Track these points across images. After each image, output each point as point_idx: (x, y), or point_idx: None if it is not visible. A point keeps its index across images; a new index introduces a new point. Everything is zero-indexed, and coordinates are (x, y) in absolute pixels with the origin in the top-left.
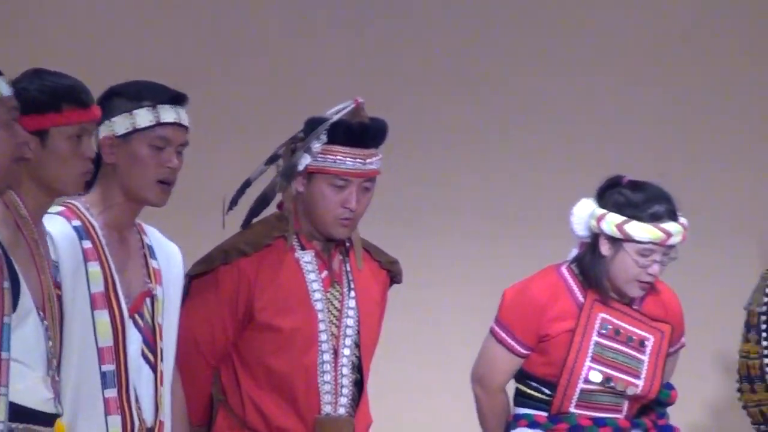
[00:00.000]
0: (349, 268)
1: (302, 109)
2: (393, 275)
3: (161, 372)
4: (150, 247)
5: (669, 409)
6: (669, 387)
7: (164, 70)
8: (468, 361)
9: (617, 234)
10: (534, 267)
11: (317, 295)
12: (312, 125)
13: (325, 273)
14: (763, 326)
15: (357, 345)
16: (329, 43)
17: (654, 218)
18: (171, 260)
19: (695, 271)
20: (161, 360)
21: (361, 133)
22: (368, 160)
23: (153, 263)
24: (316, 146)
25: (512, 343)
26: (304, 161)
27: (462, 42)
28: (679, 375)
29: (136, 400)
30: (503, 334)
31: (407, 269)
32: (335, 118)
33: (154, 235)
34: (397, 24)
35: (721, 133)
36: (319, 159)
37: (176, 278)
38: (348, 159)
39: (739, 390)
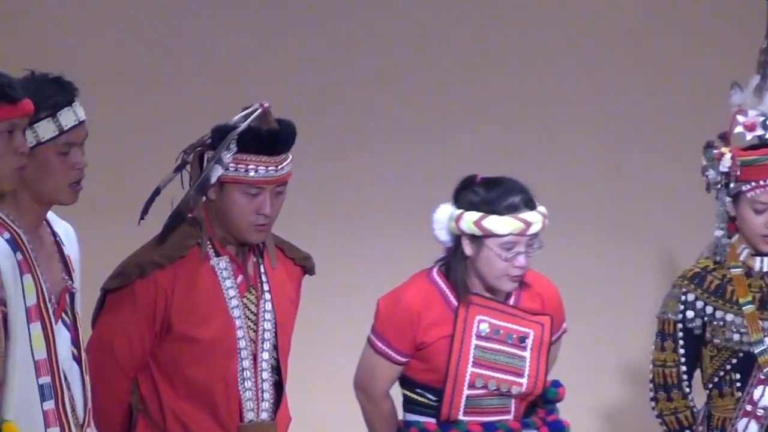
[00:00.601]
0: (263, 270)
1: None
2: (306, 270)
3: (85, 362)
4: (57, 235)
5: (566, 413)
6: (557, 385)
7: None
8: None
9: (477, 231)
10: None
11: (234, 302)
12: (220, 134)
13: (240, 278)
14: (680, 334)
15: (275, 347)
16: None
17: (511, 209)
18: (70, 238)
19: (593, 275)
20: (84, 350)
21: (271, 140)
22: (280, 166)
23: (65, 251)
24: (227, 157)
25: (389, 351)
26: (216, 173)
27: (403, 42)
28: (576, 379)
29: (72, 409)
30: (380, 344)
31: (322, 267)
32: (243, 126)
33: (54, 220)
34: (339, 25)
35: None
36: (231, 169)
37: (76, 255)
38: (260, 167)
39: (654, 399)
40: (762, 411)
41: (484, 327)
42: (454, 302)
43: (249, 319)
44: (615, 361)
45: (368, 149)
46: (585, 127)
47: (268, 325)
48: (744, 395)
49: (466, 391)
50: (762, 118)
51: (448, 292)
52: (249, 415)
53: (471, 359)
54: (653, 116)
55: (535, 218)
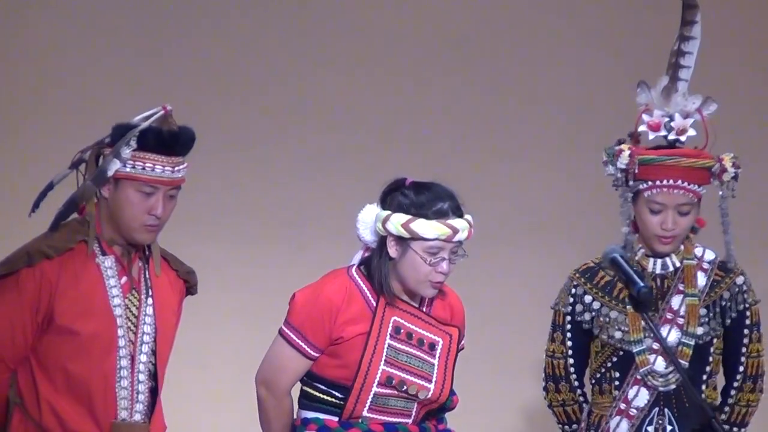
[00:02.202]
0: (148, 275)
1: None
2: (189, 286)
3: None
4: None
5: (485, 411)
6: (451, 393)
7: None
8: (252, 366)
9: (404, 233)
10: (313, 271)
11: (116, 301)
12: (120, 131)
13: (124, 279)
14: (568, 326)
15: (153, 352)
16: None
17: (439, 215)
18: None
19: (507, 273)
20: None
21: (171, 141)
22: (176, 168)
23: None
24: (126, 152)
25: (303, 345)
26: (114, 167)
27: (239, 43)
28: (492, 379)
29: None
30: (294, 336)
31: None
32: (144, 125)
33: None
34: (176, 26)
35: (528, 134)
36: (128, 165)
37: None
38: (157, 166)
39: (545, 389)
40: (635, 411)
41: (399, 329)
42: (373, 301)
43: (130, 320)
44: (527, 355)
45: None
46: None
47: (147, 329)
48: (620, 393)
49: (374, 389)
50: (666, 119)
51: (366, 290)
52: (122, 414)
53: (384, 357)
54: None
55: (462, 225)
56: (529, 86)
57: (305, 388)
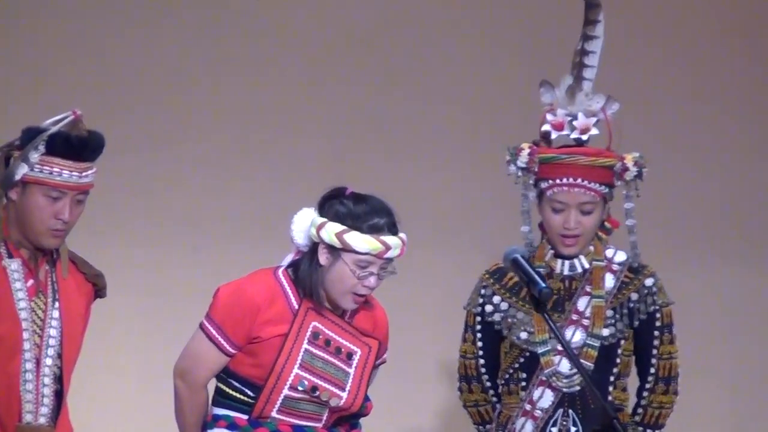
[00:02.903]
0: (55, 279)
1: None
2: (98, 288)
3: None
4: None
5: (397, 413)
6: (366, 399)
7: None
8: (155, 368)
9: (336, 243)
10: (212, 272)
11: (22, 304)
12: (29, 135)
13: (31, 282)
14: (479, 327)
15: (59, 356)
16: None
17: (374, 230)
18: None
19: (423, 275)
20: None
21: (80, 146)
22: (84, 173)
23: None
24: (34, 157)
25: (221, 340)
26: (22, 171)
27: (139, 43)
28: (405, 379)
29: None
30: (213, 331)
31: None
32: (54, 129)
33: None
34: (81, 26)
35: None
36: (36, 170)
37: None
38: (65, 171)
39: (459, 390)
40: (539, 412)
41: (318, 335)
42: (295, 304)
43: (35, 323)
44: (443, 357)
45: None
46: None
47: (53, 332)
48: (526, 394)
49: (285, 391)
50: (570, 118)
51: (290, 293)
52: (27, 417)
53: (299, 361)
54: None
55: (395, 243)
56: (429, 85)
57: (219, 384)
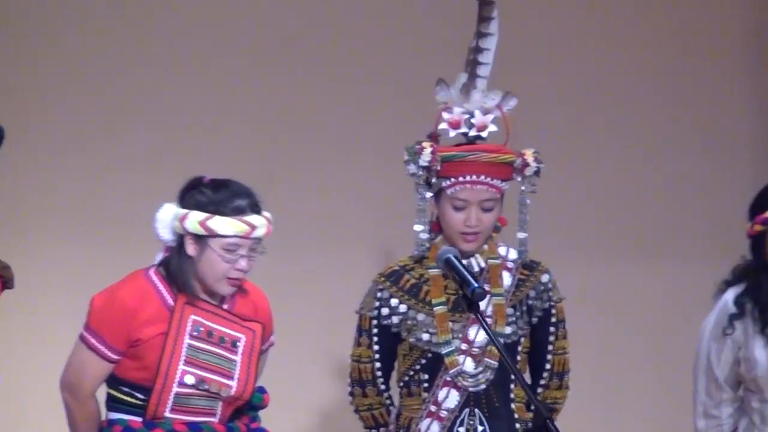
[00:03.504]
0: None
1: None
2: (5, 280)
3: None
4: None
5: (274, 412)
6: (262, 391)
7: None
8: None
9: (201, 231)
10: (124, 271)
11: None
12: None
13: None
14: (375, 330)
15: None
16: None
17: (237, 212)
18: None
19: (310, 274)
20: None
21: None
22: None
23: None
24: None
25: (102, 348)
26: None
27: (47, 39)
28: (289, 379)
29: None
30: (93, 340)
31: None
32: None
33: None
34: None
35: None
36: None
37: None
38: None
39: (351, 394)
40: (445, 413)
41: (199, 327)
42: (171, 301)
43: None
44: (329, 359)
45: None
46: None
47: None
48: (430, 396)
49: (175, 389)
50: (467, 116)
51: (164, 291)
52: None
53: (183, 357)
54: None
55: (260, 222)
56: (327, 86)
57: (110, 390)
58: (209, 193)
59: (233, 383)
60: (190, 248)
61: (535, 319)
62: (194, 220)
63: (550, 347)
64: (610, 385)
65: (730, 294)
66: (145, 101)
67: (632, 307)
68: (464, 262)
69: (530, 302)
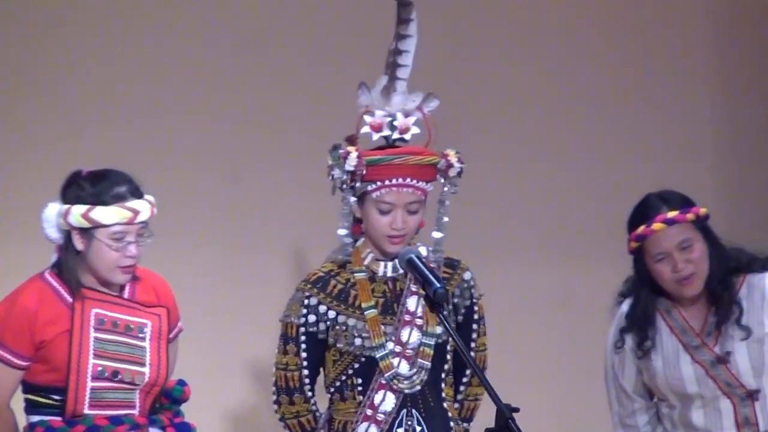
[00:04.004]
0: None
1: None
2: None
3: None
4: None
5: (191, 413)
6: (182, 383)
7: None
8: None
9: (85, 223)
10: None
11: None
12: None
13: None
14: (303, 338)
15: None
16: None
17: (117, 199)
18: None
19: (219, 278)
20: None
21: None
22: None
23: None
24: None
25: (9, 357)
26: None
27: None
28: (203, 380)
29: None
30: None
31: None
32: None
33: None
34: None
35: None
36: None
37: None
38: None
39: (277, 402)
40: (382, 416)
41: (102, 319)
42: (69, 299)
43: None
44: (244, 362)
45: None
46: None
47: None
48: (365, 399)
49: (90, 383)
50: (389, 119)
51: (62, 290)
52: None
53: (91, 351)
54: (274, 119)
55: (142, 206)
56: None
57: (26, 395)
58: (88, 186)
59: (146, 370)
60: (78, 243)
61: (460, 317)
62: (77, 213)
63: (472, 344)
64: (538, 385)
65: (625, 306)
66: (105, 100)
67: (546, 306)
68: (388, 264)
69: (455, 300)
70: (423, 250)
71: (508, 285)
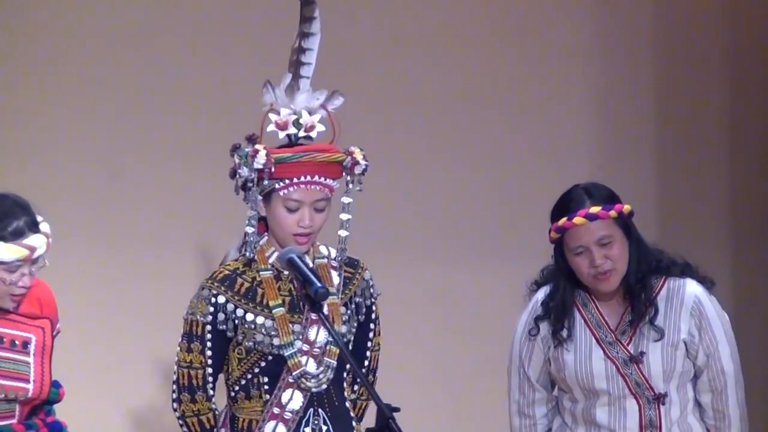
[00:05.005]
0: None
1: None
2: None
3: None
4: None
5: (84, 415)
6: (57, 385)
7: None
8: None
9: None
10: None
11: None
12: None
13: None
14: (209, 336)
15: None
16: None
17: (16, 236)
18: None
19: (128, 279)
20: None
21: None
22: None
23: None
24: None
25: None
26: None
27: None
28: (108, 379)
29: None
30: None
31: None
32: None
33: None
34: None
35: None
36: None
37: None
38: None
39: (177, 400)
40: (290, 414)
41: None
42: None
43: None
44: (146, 361)
45: None
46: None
47: None
48: (272, 398)
49: None
50: (294, 117)
51: None
52: None
53: None
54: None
55: (39, 242)
56: (149, 85)
57: None
58: None
59: (29, 386)
60: None
61: (361, 317)
62: None
63: (369, 344)
64: (439, 386)
65: (541, 294)
66: None
67: (452, 306)
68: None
69: (357, 300)
70: (324, 249)
71: (400, 284)
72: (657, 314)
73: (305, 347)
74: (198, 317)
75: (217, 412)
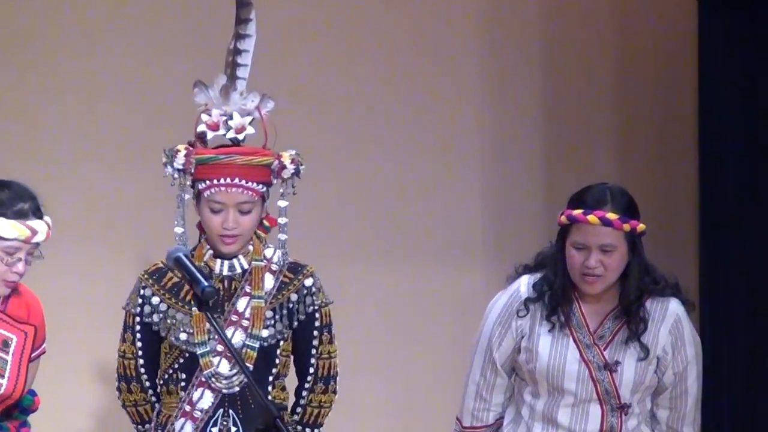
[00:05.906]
0: None
1: None
2: None
3: None
4: None
5: (45, 416)
6: (33, 393)
7: None
8: None
9: None
10: None
11: None
12: None
13: None
14: (138, 327)
15: None
16: None
17: (19, 215)
18: None
19: (78, 273)
20: None
21: None
22: None
23: None
24: None
25: None
26: None
27: None
28: (63, 379)
29: None
30: None
31: None
32: None
33: None
34: None
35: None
36: None
37: None
38: None
39: (118, 389)
40: (199, 413)
41: None
42: None
43: None
44: (95, 361)
45: None
46: None
47: None
48: (185, 395)
49: None
50: (225, 118)
51: None
52: None
53: None
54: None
55: (41, 228)
56: (92, 85)
57: None
58: None
59: (3, 381)
60: None
61: (296, 323)
62: None
63: (314, 351)
64: (392, 387)
65: (525, 279)
66: None
67: (400, 309)
68: (225, 263)
69: (291, 306)
70: (269, 252)
71: (347, 288)
72: (645, 331)
73: (219, 348)
74: (130, 308)
75: (157, 405)
